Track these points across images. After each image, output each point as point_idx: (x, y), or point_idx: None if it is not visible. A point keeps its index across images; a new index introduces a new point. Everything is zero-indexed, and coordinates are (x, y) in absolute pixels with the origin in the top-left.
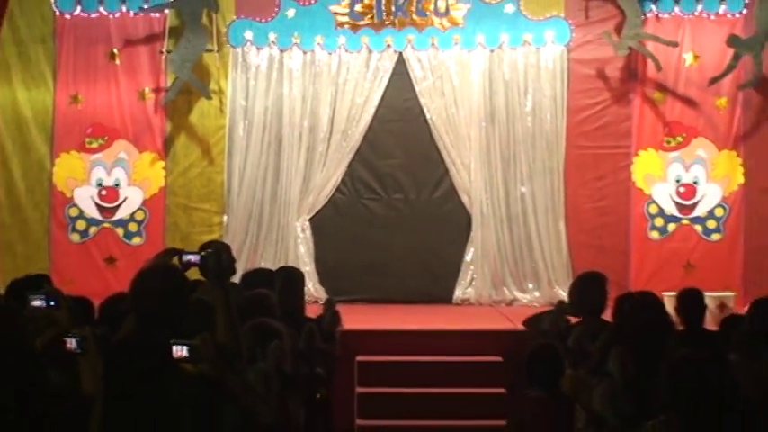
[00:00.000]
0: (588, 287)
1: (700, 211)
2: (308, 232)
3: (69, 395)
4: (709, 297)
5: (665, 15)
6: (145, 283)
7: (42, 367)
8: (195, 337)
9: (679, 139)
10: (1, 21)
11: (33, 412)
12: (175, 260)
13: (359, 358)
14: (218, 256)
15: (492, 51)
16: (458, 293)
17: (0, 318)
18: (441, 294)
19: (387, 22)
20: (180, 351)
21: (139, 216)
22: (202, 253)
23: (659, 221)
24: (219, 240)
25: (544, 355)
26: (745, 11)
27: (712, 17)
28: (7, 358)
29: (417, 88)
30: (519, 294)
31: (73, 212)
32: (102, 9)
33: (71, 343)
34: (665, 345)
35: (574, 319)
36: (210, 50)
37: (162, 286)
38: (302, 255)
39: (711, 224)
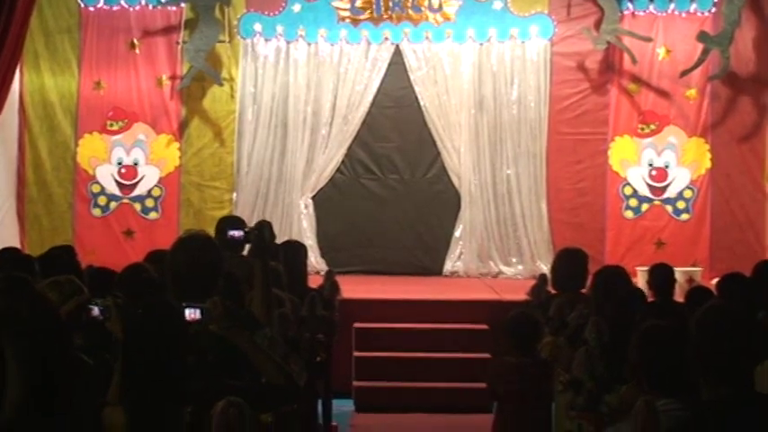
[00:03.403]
0: (569, 262)
1: (670, 193)
2: (311, 209)
3: (91, 362)
4: (679, 272)
5: (641, 13)
6: (182, 248)
7: (67, 334)
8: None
9: (652, 126)
10: (29, 16)
11: (59, 378)
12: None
13: (356, 325)
14: (260, 232)
15: (481, 45)
16: (447, 266)
17: (17, 285)
18: (432, 267)
19: (385, 17)
20: (193, 314)
21: (156, 192)
22: (245, 229)
23: (633, 202)
24: (265, 220)
25: (523, 323)
26: (713, 9)
27: (683, 15)
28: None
29: (412, 77)
30: (504, 268)
31: (95, 189)
32: (123, 2)
33: (95, 311)
34: (636, 314)
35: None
36: (223, 41)
37: (197, 253)
38: (305, 229)
39: (681, 205)
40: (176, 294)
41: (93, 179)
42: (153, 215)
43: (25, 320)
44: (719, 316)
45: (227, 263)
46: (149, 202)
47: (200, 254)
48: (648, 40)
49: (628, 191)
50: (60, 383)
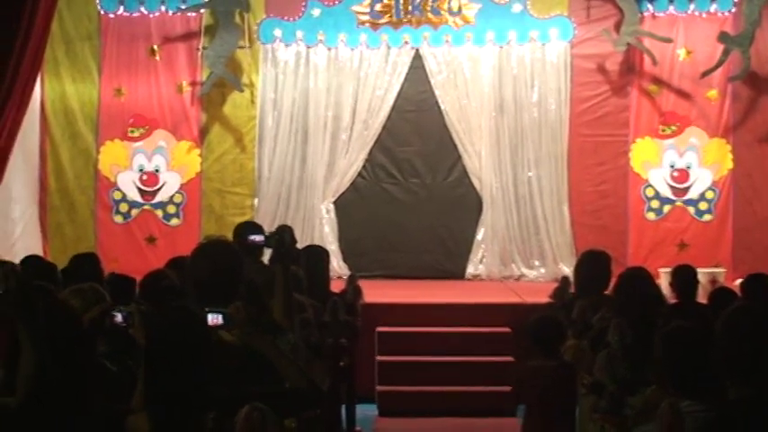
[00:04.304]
0: (592, 264)
1: (692, 194)
2: (333, 214)
3: (113, 370)
4: (702, 273)
5: (661, 14)
6: (203, 254)
7: (89, 340)
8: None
9: (673, 127)
10: (50, 23)
11: (82, 385)
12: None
13: (379, 329)
14: (281, 237)
15: (501, 47)
16: (470, 269)
17: (40, 293)
18: (454, 270)
19: (404, 21)
20: (215, 319)
21: (177, 199)
22: (266, 234)
23: (655, 203)
24: (286, 224)
25: (547, 325)
26: (734, 9)
27: (704, 15)
28: (54, 332)
29: (432, 81)
30: (526, 271)
31: (117, 196)
32: (143, 9)
33: (118, 317)
34: (658, 316)
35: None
36: (243, 47)
37: (218, 259)
38: (327, 234)
39: (703, 206)
40: (198, 300)
41: (115, 186)
42: (175, 222)
43: (38, 310)
44: (744, 317)
45: (248, 269)
46: (171, 209)
47: (221, 260)
48: (669, 41)
49: (650, 192)
50: (78, 386)
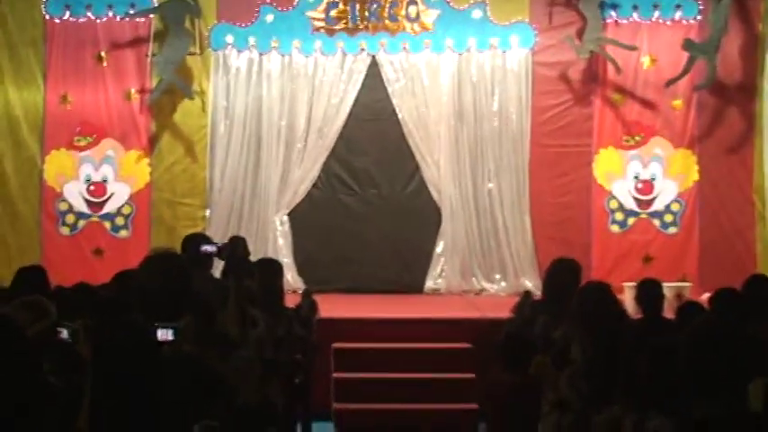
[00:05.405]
0: (559, 272)
1: (657, 206)
2: (287, 226)
3: (59, 387)
4: (667, 287)
5: (624, 21)
6: (150, 267)
7: (35, 357)
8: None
9: (637, 138)
10: None
11: (28, 405)
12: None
13: (335, 345)
14: (233, 248)
15: (460, 54)
16: (429, 283)
17: None
18: (412, 284)
19: (361, 27)
20: (165, 335)
21: (126, 210)
22: (219, 244)
23: (619, 215)
24: (239, 236)
25: (515, 342)
26: (699, 16)
27: (668, 22)
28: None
29: (390, 89)
30: (487, 285)
31: (63, 207)
32: (89, 14)
33: (63, 333)
34: (620, 331)
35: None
36: (193, 53)
37: (166, 271)
38: (281, 247)
39: (668, 218)
40: (145, 314)
41: (61, 197)
42: (123, 233)
43: None
44: (712, 332)
45: (197, 281)
46: (119, 221)
47: (169, 272)
48: (633, 48)
49: (613, 204)
50: (25, 405)
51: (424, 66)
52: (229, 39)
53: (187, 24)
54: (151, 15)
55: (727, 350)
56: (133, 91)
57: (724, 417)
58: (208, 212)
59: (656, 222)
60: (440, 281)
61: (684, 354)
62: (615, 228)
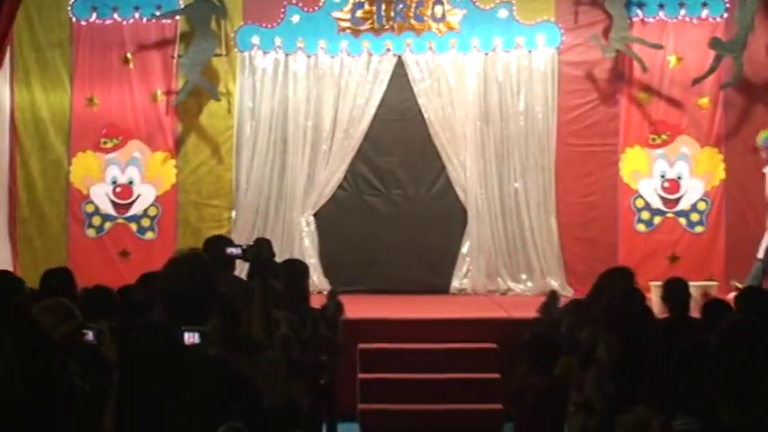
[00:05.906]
0: (612, 282)
1: (683, 205)
2: (313, 226)
3: (86, 386)
4: (694, 286)
5: (650, 19)
6: (175, 269)
7: (60, 358)
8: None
9: (664, 136)
10: (10, 27)
11: (50, 403)
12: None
13: (361, 346)
14: (258, 249)
15: (486, 54)
16: (455, 284)
17: (14, 308)
18: (438, 285)
19: (386, 27)
20: (192, 338)
21: (152, 212)
22: (243, 246)
23: (645, 215)
24: (264, 237)
25: (542, 342)
26: (725, 15)
27: (695, 21)
28: (24, 348)
29: (415, 89)
30: (512, 285)
31: (89, 209)
32: (116, 16)
33: (89, 335)
34: (646, 330)
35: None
36: (219, 55)
37: (191, 273)
38: (307, 248)
39: (695, 217)
40: (170, 316)
41: (87, 199)
42: (149, 235)
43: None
44: (741, 333)
45: (222, 283)
46: (145, 222)
47: (195, 274)
48: (659, 47)
49: (640, 203)
50: (49, 404)
51: (449, 66)
52: (255, 40)
53: (213, 26)
54: (177, 17)
55: (756, 351)
56: (159, 93)
57: (758, 424)
58: (234, 214)
59: (683, 221)
60: (465, 281)
61: (713, 354)
62: (641, 227)
